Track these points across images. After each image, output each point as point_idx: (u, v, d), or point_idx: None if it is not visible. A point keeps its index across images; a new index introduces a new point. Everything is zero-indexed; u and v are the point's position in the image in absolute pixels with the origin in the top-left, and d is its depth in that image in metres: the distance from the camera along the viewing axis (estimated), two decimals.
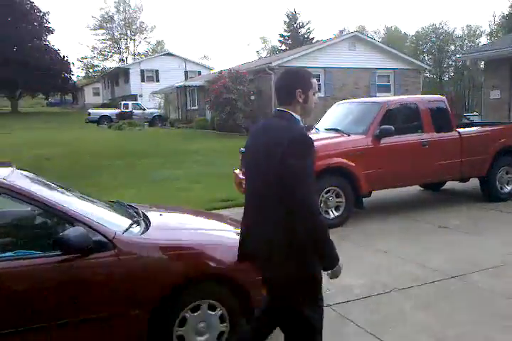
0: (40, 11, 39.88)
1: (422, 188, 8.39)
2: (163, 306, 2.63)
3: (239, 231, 3.37)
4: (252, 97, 19.05)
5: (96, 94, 53.47)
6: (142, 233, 2.79)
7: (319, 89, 19.77)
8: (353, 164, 6.01)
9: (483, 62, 9.50)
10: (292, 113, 2.22)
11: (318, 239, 2.05)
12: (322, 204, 5.95)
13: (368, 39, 21.41)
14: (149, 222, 3.01)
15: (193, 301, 2.73)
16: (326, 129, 6.87)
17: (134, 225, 2.89)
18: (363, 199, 6.31)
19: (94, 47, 55.40)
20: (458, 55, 40.78)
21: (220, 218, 3.85)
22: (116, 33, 54.60)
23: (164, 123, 27.42)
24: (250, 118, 19.04)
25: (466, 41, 52.66)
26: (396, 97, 6.80)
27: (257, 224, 2.19)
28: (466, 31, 53.89)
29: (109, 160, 12.85)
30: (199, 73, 40.14)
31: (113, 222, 2.81)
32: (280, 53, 31.59)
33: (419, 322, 3.44)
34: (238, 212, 7.13)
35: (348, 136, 6.31)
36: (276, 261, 2.11)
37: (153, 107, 31.43)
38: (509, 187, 7.28)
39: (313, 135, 6.94)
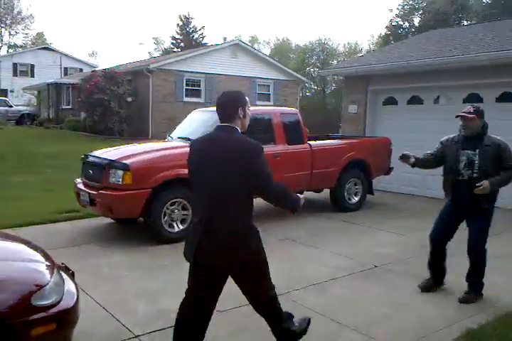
0: None
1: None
2: None
3: (26, 257, 2.89)
4: (129, 99, 18.17)
5: None
6: None
7: (200, 95, 19.57)
8: None
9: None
10: (236, 127, 2.70)
11: (291, 207, 2.80)
12: (166, 217, 5.60)
13: (250, 48, 21.70)
14: None
15: None
16: (179, 137, 6.56)
17: None
18: None
19: None
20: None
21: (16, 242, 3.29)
22: None
23: (35, 123, 25.10)
24: (126, 121, 18.14)
25: (347, 58, 56.46)
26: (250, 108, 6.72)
27: (221, 216, 2.63)
28: (348, 48, 57.91)
29: None
30: (80, 70, 37.66)
31: None
32: (162, 56, 30.87)
33: None
34: (80, 227, 6.67)
35: None
36: (244, 238, 2.68)
37: (22, 104, 28.66)
38: (357, 198, 7.61)
39: (164, 144, 6.60)
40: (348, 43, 59.88)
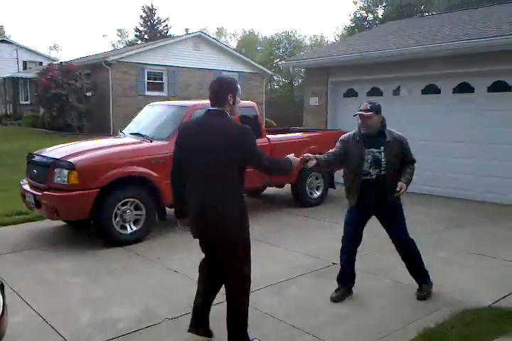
0: None
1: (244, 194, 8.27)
2: None
3: None
4: (89, 93, 17.56)
5: None
6: None
7: (162, 89, 19.12)
8: (154, 173, 5.48)
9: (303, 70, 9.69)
10: (227, 112, 2.88)
11: (285, 174, 3.25)
12: (117, 218, 5.32)
13: (213, 40, 21.32)
14: None
15: None
16: (131, 133, 6.26)
17: None
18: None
19: None
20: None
21: None
22: None
23: None
24: (86, 117, 17.54)
25: (313, 50, 56.50)
26: (203, 101, 6.46)
27: (212, 195, 2.82)
28: (314, 40, 57.96)
29: None
30: (40, 64, 36.26)
31: None
32: (121, 48, 29.98)
33: None
34: (28, 230, 6.26)
35: (151, 141, 5.78)
36: (232, 217, 2.85)
37: None
38: (319, 193, 7.49)
39: (114, 140, 6.30)
40: (314, 36, 59.88)
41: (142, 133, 5.99)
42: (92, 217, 5.24)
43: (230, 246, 2.88)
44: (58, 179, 5.09)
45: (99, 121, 17.92)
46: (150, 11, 48.87)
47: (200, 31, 20.18)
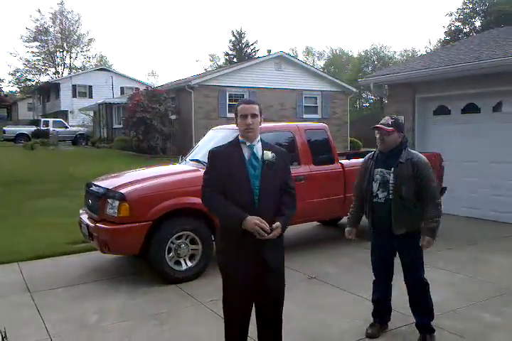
0: None
1: (318, 223, 7.59)
2: None
3: None
4: (173, 117, 17.95)
5: (30, 109, 50.56)
6: None
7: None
8: None
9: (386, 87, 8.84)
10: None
11: (221, 222, 2.87)
12: (172, 253, 4.90)
13: (294, 60, 20.98)
14: None
15: None
16: (191, 160, 5.89)
17: None
18: None
19: (27, 61, 52.24)
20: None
21: None
22: (51, 46, 51.81)
23: (89, 143, 25.74)
24: (169, 139, 17.91)
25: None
26: (268, 124, 5.88)
27: None
28: (405, 55, 55.73)
29: None
30: (136, 90, 38.54)
31: None
32: (205, 72, 30.72)
33: None
34: (86, 261, 5.88)
35: None
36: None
37: (77, 125, 29.58)
38: None
39: (171, 168, 5.95)
40: (405, 51, 57.64)
41: (201, 160, 5.57)
42: (144, 252, 4.86)
43: None
44: (110, 211, 4.79)
45: (182, 143, 18.18)
46: (239, 35, 50.38)
47: (282, 51, 19.94)
